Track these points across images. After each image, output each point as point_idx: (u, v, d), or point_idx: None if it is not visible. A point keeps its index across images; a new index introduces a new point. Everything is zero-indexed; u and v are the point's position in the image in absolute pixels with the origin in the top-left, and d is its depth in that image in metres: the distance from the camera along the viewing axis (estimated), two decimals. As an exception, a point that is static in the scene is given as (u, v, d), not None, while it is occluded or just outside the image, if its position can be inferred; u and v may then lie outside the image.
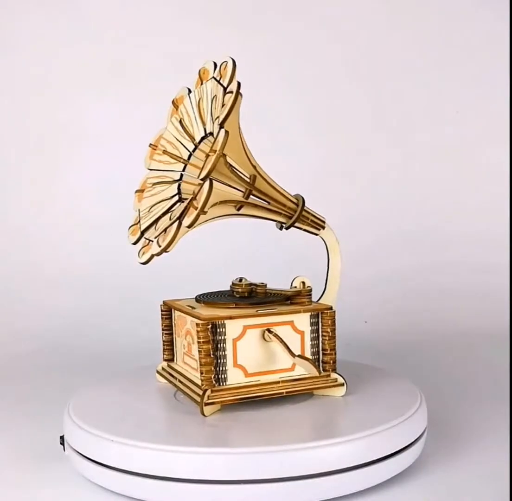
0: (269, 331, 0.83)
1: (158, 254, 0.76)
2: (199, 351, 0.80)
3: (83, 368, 1.28)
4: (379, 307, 1.59)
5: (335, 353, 0.86)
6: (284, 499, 0.70)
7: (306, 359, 0.83)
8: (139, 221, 0.87)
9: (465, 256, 1.68)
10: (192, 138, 0.89)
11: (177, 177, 0.89)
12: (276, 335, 0.82)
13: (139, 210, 0.88)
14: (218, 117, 0.78)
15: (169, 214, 0.85)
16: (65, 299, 1.61)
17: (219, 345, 0.81)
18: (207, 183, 0.73)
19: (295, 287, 0.89)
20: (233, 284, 0.90)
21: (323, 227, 0.90)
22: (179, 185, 0.89)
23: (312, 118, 1.75)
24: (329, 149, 1.75)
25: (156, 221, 0.85)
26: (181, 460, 0.70)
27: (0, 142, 1.76)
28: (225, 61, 0.82)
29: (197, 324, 0.79)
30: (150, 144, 0.93)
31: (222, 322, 0.80)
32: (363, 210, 1.74)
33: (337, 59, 1.75)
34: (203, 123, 0.88)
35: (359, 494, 0.73)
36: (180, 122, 0.90)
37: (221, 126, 0.74)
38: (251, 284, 0.89)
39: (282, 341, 0.82)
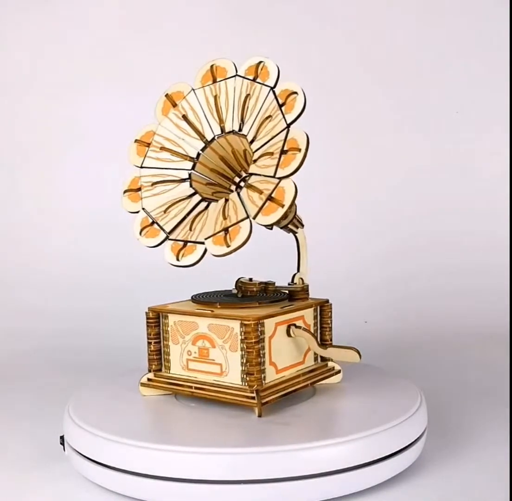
0: (296, 326, 0.84)
1: (226, 254, 0.76)
2: (249, 352, 0.78)
3: (83, 368, 1.28)
4: (379, 307, 1.59)
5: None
6: (284, 499, 0.70)
7: (347, 347, 0.84)
8: (155, 222, 0.84)
9: (464, 257, 1.68)
10: (201, 136, 0.88)
11: (184, 176, 0.88)
12: (305, 330, 0.84)
13: (145, 210, 0.86)
14: (270, 116, 0.79)
15: (200, 213, 0.83)
16: (65, 300, 1.61)
17: (260, 344, 0.80)
18: (291, 181, 0.74)
19: (295, 283, 0.90)
20: (244, 283, 0.89)
21: (303, 226, 0.91)
22: (190, 184, 0.87)
23: (318, 121, 1.74)
24: (327, 158, 1.75)
25: (181, 221, 0.83)
26: (181, 460, 0.70)
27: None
28: (261, 61, 0.84)
29: (247, 325, 0.78)
30: (137, 140, 0.90)
31: (262, 321, 0.80)
32: (363, 215, 1.74)
33: (336, 63, 1.75)
34: (221, 121, 0.87)
35: (359, 494, 0.73)
36: (184, 118, 0.89)
37: (289, 125, 0.77)
38: (260, 282, 0.90)
39: (312, 335, 0.84)
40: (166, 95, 0.90)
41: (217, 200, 0.84)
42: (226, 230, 0.77)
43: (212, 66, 0.89)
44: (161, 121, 0.90)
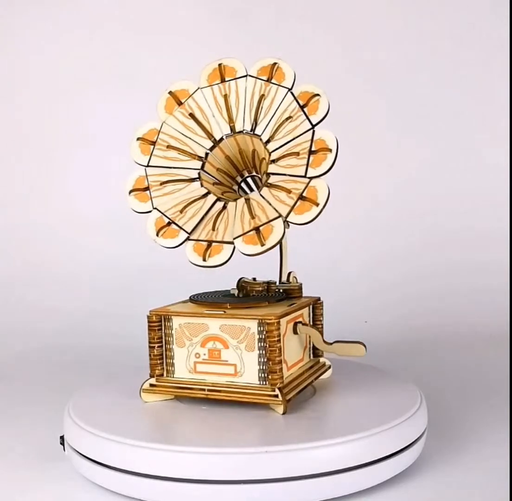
0: (303, 323, 0.86)
1: (260, 253, 0.77)
2: (271, 351, 0.79)
3: (83, 368, 1.28)
4: (380, 307, 1.59)
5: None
6: (284, 499, 0.70)
7: (352, 342, 0.85)
8: (173, 222, 0.83)
9: (464, 257, 1.68)
10: (209, 135, 0.88)
11: (193, 175, 0.87)
12: (313, 326, 0.86)
13: (158, 210, 0.84)
14: (290, 117, 0.81)
15: (220, 213, 0.82)
16: (65, 300, 1.61)
17: (281, 342, 0.81)
18: (323, 181, 0.76)
19: (290, 282, 0.91)
20: (249, 283, 0.90)
21: (288, 226, 0.92)
22: (201, 184, 0.87)
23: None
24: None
25: (199, 221, 0.83)
26: (181, 460, 0.70)
27: (1, 143, 1.76)
28: (275, 62, 0.85)
29: (270, 324, 0.78)
30: (139, 137, 0.89)
31: (279, 319, 0.81)
32: (363, 216, 1.74)
33: (335, 67, 1.75)
34: (231, 121, 0.87)
35: (359, 494, 0.73)
36: (192, 116, 0.88)
37: (314, 126, 0.79)
38: (264, 282, 0.91)
39: (319, 331, 0.86)
40: (170, 93, 0.89)
41: (233, 200, 0.84)
42: (257, 229, 0.77)
43: (220, 65, 0.88)
44: (166, 119, 0.89)
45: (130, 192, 0.87)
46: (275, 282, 0.91)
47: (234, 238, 0.78)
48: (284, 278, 0.90)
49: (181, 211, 0.84)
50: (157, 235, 0.83)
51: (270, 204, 0.79)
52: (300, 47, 1.73)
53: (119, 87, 1.74)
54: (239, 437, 0.73)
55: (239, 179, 0.91)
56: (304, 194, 0.76)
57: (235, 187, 0.91)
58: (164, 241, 0.83)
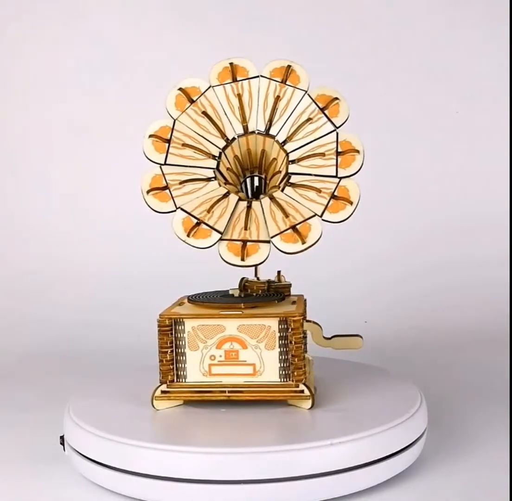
0: (307, 320, 0.87)
1: (300, 251, 0.78)
2: (297, 347, 0.79)
3: (83, 368, 1.28)
4: (379, 307, 1.58)
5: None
6: (284, 499, 0.70)
7: (349, 335, 0.87)
8: (203, 222, 0.81)
9: (465, 257, 1.68)
10: (222, 134, 0.87)
11: (210, 174, 0.85)
12: (315, 322, 0.87)
13: (184, 210, 0.82)
14: (310, 118, 0.84)
15: (248, 213, 0.82)
16: (66, 299, 1.61)
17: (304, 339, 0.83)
18: (353, 180, 0.79)
19: (280, 281, 0.92)
20: (254, 282, 0.91)
21: None
22: (220, 183, 0.85)
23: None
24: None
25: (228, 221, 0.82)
26: (181, 460, 0.70)
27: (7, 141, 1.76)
28: (289, 65, 0.87)
29: (295, 321, 0.79)
30: (152, 135, 0.86)
31: (302, 316, 0.82)
32: (363, 213, 1.74)
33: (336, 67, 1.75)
34: (244, 120, 0.87)
35: (359, 494, 0.73)
36: (205, 115, 0.87)
37: (337, 128, 0.83)
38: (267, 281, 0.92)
39: (320, 327, 0.87)
40: (180, 89, 0.88)
41: (255, 199, 0.85)
42: (294, 227, 0.79)
43: (231, 64, 0.88)
44: (178, 117, 0.87)
45: (148, 191, 0.84)
46: (275, 281, 0.91)
47: (271, 237, 0.79)
48: (259, 276, 0.91)
49: (208, 211, 0.82)
50: (188, 236, 0.81)
51: (299, 203, 0.80)
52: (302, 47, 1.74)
53: (122, 83, 1.74)
54: (239, 437, 0.73)
55: (241, 178, 0.91)
56: (336, 193, 0.79)
57: (239, 187, 0.91)
58: (196, 242, 0.80)
